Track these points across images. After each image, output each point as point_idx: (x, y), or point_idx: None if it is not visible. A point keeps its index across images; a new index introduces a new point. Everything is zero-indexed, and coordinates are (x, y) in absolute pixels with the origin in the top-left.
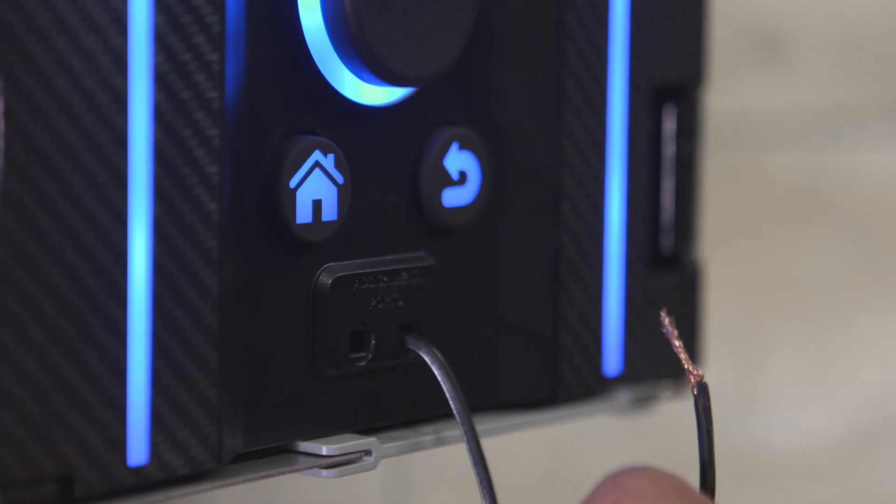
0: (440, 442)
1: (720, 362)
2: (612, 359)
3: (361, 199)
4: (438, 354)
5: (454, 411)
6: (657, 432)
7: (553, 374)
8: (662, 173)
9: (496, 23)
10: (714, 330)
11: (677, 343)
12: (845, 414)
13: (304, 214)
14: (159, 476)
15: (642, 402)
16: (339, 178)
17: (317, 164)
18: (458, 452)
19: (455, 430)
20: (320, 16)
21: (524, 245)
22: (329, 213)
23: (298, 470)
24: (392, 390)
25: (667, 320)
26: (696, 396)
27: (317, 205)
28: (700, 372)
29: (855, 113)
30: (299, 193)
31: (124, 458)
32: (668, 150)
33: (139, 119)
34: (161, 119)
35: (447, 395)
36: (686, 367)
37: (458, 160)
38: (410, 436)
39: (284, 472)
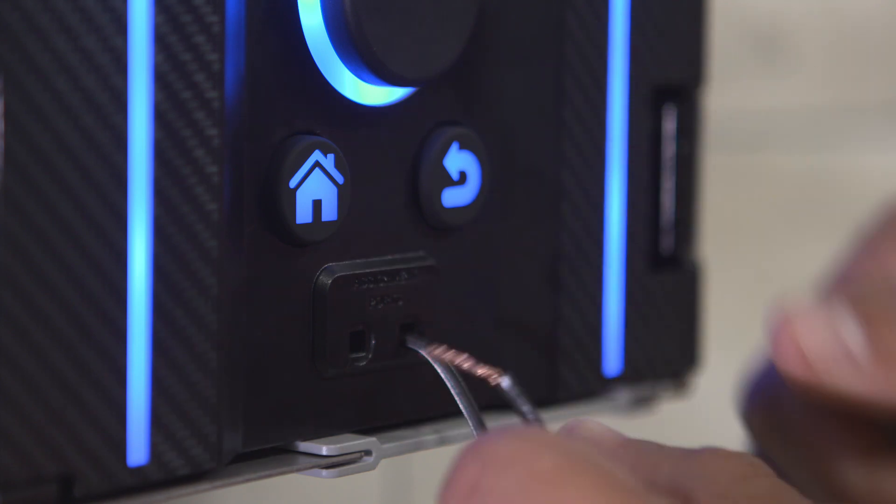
0: (440, 442)
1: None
2: (612, 359)
3: (361, 199)
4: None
5: (461, 408)
6: (657, 432)
7: (553, 374)
8: (662, 173)
9: (496, 23)
10: (714, 330)
11: (460, 361)
12: None
13: (304, 214)
14: (159, 476)
15: (642, 402)
16: (339, 178)
17: (317, 163)
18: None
19: (455, 430)
20: (320, 16)
21: (524, 245)
22: (329, 213)
23: (298, 470)
24: (392, 390)
25: (436, 351)
26: (510, 389)
27: (317, 205)
28: (497, 369)
29: (855, 113)
30: (299, 193)
31: (124, 458)
32: (668, 150)
33: (139, 119)
34: (161, 119)
35: (453, 394)
36: (483, 373)
37: (458, 160)
38: (410, 436)
39: (284, 472)
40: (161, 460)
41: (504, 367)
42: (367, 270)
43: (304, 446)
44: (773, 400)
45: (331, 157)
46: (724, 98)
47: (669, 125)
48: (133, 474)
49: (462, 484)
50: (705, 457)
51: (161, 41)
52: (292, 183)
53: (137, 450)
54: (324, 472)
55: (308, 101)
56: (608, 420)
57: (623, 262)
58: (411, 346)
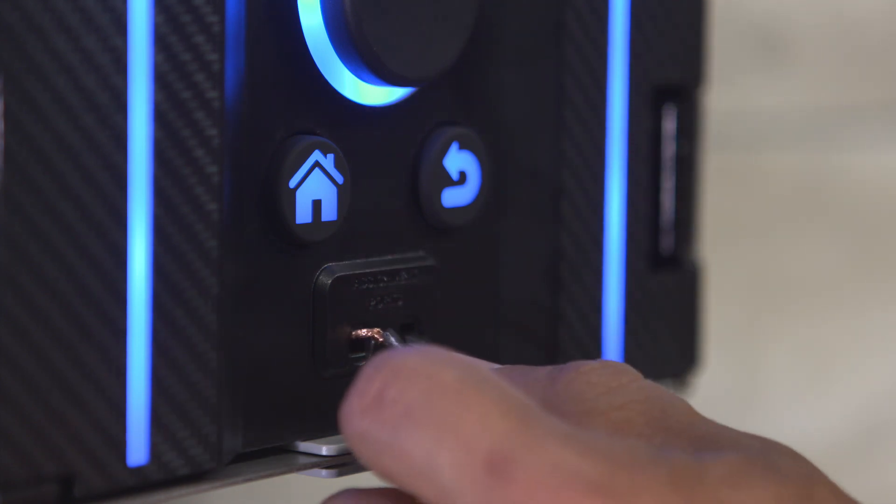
0: None
1: (720, 362)
2: (612, 358)
3: (361, 199)
4: None
5: None
6: None
7: None
8: (662, 173)
9: (496, 23)
10: (714, 330)
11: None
12: (846, 413)
13: (303, 214)
14: (159, 476)
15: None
16: (339, 178)
17: (316, 163)
18: None
19: None
20: (320, 16)
21: (524, 245)
22: (329, 213)
23: (298, 470)
24: None
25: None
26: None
27: (316, 205)
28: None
29: (855, 113)
30: (299, 193)
31: (124, 458)
32: (668, 150)
33: (139, 119)
34: (161, 119)
35: None
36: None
37: (457, 160)
38: None
39: (284, 472)
40: (161, 460)
41: None
42: (367, 270)
43: (304, 446)
44: None
45: (330, 157)
46: (724, 98)
47: (669, 125)
48: (133, 474)
49: (366, 396)
50: (570, 375)
51: (161, 41)
52: (292, 183)
53: (137, 450)
54: (324, 472)
55: (308, 101)
56: None
57: (623, 262)
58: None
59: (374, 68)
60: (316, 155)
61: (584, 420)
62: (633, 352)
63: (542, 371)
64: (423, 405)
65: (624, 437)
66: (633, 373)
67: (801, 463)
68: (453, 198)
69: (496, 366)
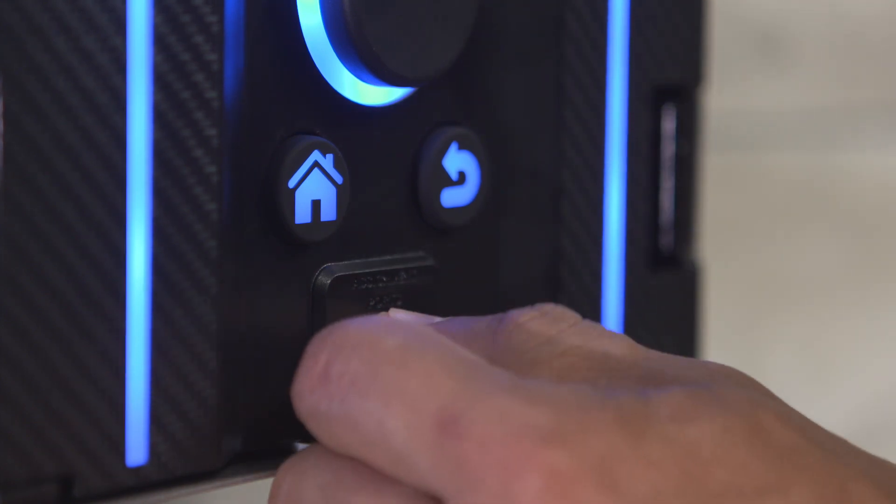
0: None
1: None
2: None
3: (360, 200)
4: None
5: None
6: None
7: None
8: (662, 173)
9: (496, 23)
10: (714, 330)
11: None
12: (846, 413)
13: (303, 214)
14: (158, 476)
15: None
16: (338, 179)
17: (316, 164)
18: None
19: None
20: (319, 16)
21: (524, 245)
22: (328, 213)
23: None
24: None
25: None
26: None
27: (316, 205)
28: None
29: (855, 113)
30: (298, 193)
31: (123, 458)
32: (668, 150)
33: (138, 119)
34: (160, 119)
35: None
36: None
37: (457, 160)
38: None
39: None
40: (160, 460)
41: None
42: (367, 270)
43: (304, 446)
44: None
45: (330, 157)
46: (724, 98)
47: (669, 125)
48: (132, 474)
49: (313, 372)
50: (509, 327)
51: (160, 41)
52: (291, 183)
53: (137, 450)
54: None
55: (307, 101)
56: None
57: (623, 262)
58: None
59: (374, 68)
60: (315, 155)
61: (528, 371)
62: None
63: (483, 323)
64: (368, 374)
65: (569, 383)
66: (571, 317)
67: (747, 389)
68: (453, 198)
69: (437, 319)
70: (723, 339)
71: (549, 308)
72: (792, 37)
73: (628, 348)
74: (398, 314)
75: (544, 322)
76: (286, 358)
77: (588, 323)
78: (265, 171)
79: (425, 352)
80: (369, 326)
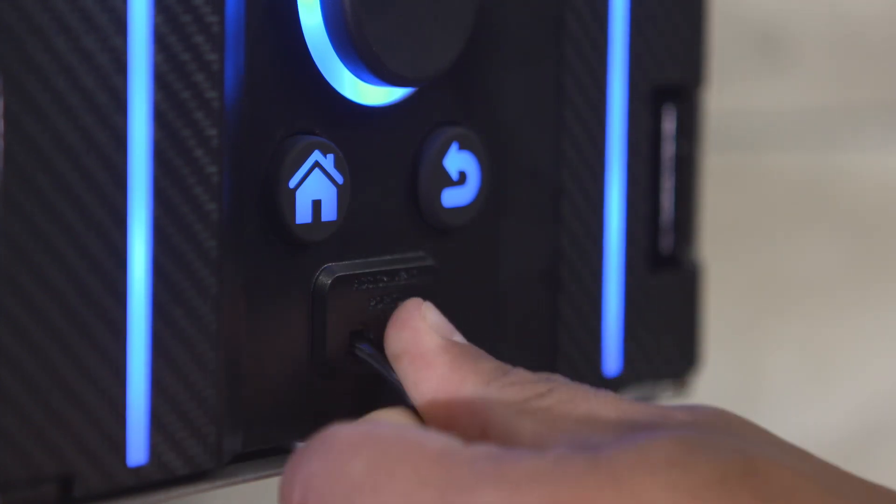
0: None
1: (720, 362)
2: (612, 359)
3: (361, 200)
4: None
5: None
6: None
7: None
8: (662, 173)
9: (496, 23)
10: (714, 330)
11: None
12: (846, 413)
13: (303, 214)
14: (159, 476)
15: (642, 402)
16: (339, 179)
17: (316, 164)
18: None
19: None
20: (320, 16)
21: (524, 245)
22: (328, 213)
23: None
24: (391, 390)
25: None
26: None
27: (316, 205)
28: None
29: (855, 113)
30: (299, 193)
31: (124, 458)
32: (668, 150)
33: (139, 119)
34: (160, 119)
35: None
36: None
37: (457, 160)
38: None
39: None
40: (161, 460)
41: None
42: (367, 270)
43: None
44: None
45: (330, 157)
46: (724, 98)
47: (669, 125)
48: (133, 474)
49: None
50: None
51: (161, 41)
52: (292, 183)
53: (137, 450)
54: None
55: (308, 102)
56: None
57: (623, 262)
58: None
59: (374, 68)
60: (316, 155)
61: (515, 422)
62: (633, 352)
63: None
64: None
65: (554, 448)
66: (559, 378)
67: (730, 435)
68: (453, 198)
69: (459, 336)
70: (723, 339)
71: (543, 375)
72: (792, 37)
73: (613, 402)
74: (429, 313)
75: (538, 386)
76: (286, 358)
77: (579, 385)
78: (265, 171)
79: (394, 470)
80: (333, 453)
